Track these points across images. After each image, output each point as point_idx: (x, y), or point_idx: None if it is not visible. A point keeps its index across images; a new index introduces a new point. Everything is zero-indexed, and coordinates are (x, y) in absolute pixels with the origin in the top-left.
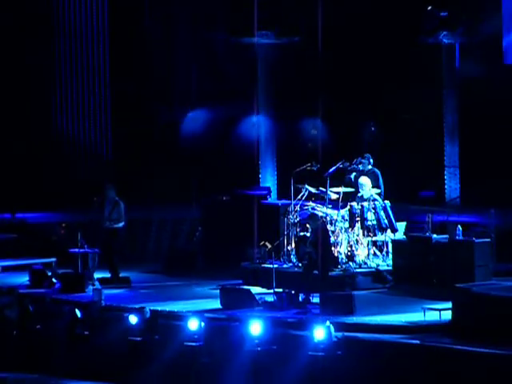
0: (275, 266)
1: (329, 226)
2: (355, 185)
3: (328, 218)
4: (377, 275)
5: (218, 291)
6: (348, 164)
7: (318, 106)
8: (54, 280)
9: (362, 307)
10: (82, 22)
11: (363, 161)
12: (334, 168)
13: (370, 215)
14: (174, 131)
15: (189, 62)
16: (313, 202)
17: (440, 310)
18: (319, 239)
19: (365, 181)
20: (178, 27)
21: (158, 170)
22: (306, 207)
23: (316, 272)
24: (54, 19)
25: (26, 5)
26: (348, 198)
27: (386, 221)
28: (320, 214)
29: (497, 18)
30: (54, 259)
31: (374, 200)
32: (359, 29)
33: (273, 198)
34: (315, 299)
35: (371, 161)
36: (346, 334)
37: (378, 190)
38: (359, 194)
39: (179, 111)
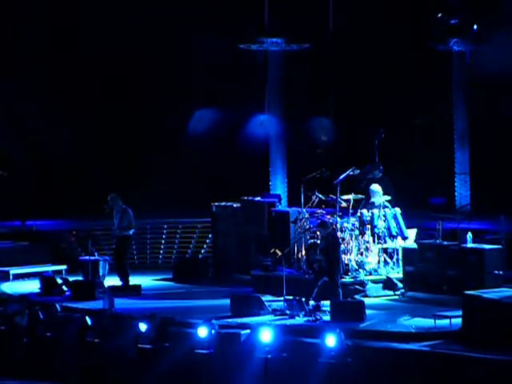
0: (285, 273)
1: (339, 234)
2: (366, 192)
3: (338, 226)
4: (387, 282)
5: (229, 298)
6: (359, 171)
7: (329, 112)
8: (64, 288)
9: (372, 314)
10: None
11: (373, 168)
12: (344, 175)
13: (380, 222)
14: (182, 136)
15: (197, 64)
16: (323, 209)
17: (450, 317)
18: (329, 246)
19: (376, 188)
20: (187, 32)
21: (168, 177)
22: (317, 214)
23: (326, 279)
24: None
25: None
26: (358, 205)
27: (396, 228)
28: (330, 221)
29: (507, 24)
30: (64, 267)
31: (385, 207)
32: (370, 35)
33: (283, 206)
34: (326, 306)
35: (382, 168)
36: (356, 341)
37: (389, 197)
38: (371, 201)
39: (188, 116)
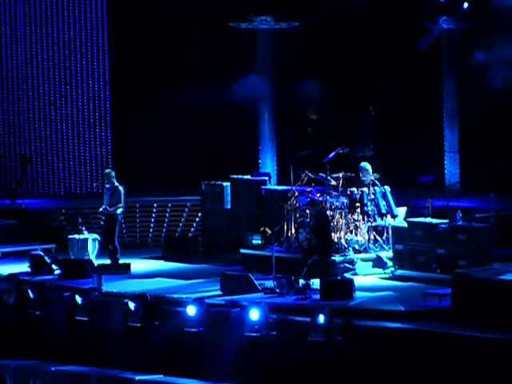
0: (275, 251)
1: (328, 212)
2: (356, 170)
3: (328, 204)
4: (377, 261)
5: (218, 277)
6: (348, 149)
7: (319, 91)
8: (53, 266)
9: (361, 293)
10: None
11: (363, 147)
12: (333, 153)
13: (370, 201)
14: (176, 114)
15: (188, 44)
16: (312, 187)
17: (440, 295)
18: (319, 225)
19: (366, 166)
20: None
21: (158, 154)
22: (306, 193)
23: (316, 258)
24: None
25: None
26: (348, 183)
27: (385, 206)
28: (320, 199)
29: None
30: (53, 245)
31: (374, 185)
32: (358, 14)
33: (273, 184)
34: (315, 285)
35: (371, 146)
36: (346, 319)
37: (378, 175)
38: (360, 179)
39: (181, 94)
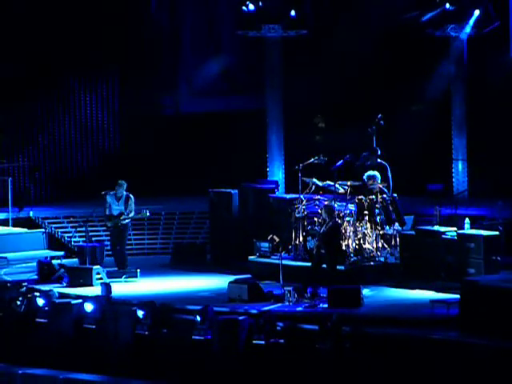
0: (283, 259)
1: (337, 220)
2: (363, 178)
3: (336, 212)
4: (385, 268)
5: (226, 284)
6: (355, 157)
7: (327, 99)
8: (61, 274)
9: (369, 300)
10: None
11: (371, 155)
12: (341, 161)
13: (379, 208)
14: (180, 123)
15: (196, 54)
16: (321, 195)
17: (448, 303)
18: (330, 233)
19: (374, 174)
20: (186, 21)
21: (166, 163)
22: (314, 201)
23: (324, 266)
24: None
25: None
26: (356, 191)
27: (394, 214)
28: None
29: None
30: (62, 253)
31: (383, 193)
32: (367, 20)
33: (281, 192)
34: (323, 293)
35: (379, 154)
36: (353, 327)
37: (386, 184)
38: (369, 187)
39: (185, 103)
